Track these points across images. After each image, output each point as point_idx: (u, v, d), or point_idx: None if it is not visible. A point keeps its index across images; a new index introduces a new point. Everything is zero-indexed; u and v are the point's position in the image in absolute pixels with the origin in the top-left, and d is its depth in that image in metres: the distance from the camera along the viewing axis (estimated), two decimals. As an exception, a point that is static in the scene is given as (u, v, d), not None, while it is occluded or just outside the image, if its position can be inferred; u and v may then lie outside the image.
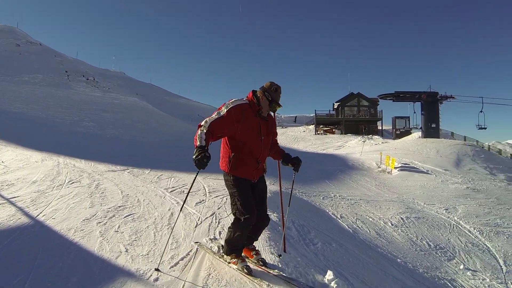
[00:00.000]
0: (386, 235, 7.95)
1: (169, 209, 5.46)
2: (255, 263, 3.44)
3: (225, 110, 3.11)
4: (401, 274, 5.72)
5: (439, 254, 7.51)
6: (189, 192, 3.90)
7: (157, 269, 3.28)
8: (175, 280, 3.15)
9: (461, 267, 7.10)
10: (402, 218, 9.30)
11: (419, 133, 35.92)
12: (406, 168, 18.06)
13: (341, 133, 41.35)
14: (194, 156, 2.86)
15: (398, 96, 35.77)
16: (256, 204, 3.22)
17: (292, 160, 3.60)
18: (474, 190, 14.59)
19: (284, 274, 3.30)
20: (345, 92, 46.87)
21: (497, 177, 19.86)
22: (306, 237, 5.44)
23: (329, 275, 3.70)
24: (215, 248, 3.76)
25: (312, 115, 49.79)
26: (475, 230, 9.47)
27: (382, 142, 31.83)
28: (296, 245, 4.89)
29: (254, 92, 3.33)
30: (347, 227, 7.77)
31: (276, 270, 3.35)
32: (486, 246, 8.56)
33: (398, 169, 17.57)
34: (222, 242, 3.63)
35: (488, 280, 6.73)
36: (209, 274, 3.24)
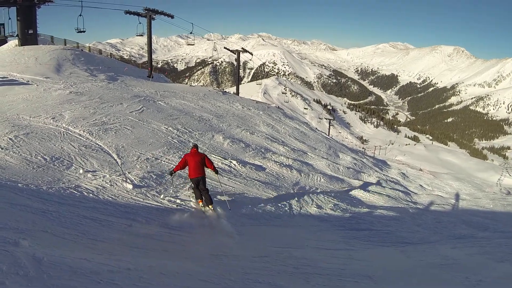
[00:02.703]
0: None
1: None
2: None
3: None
4: (28, 199, 5.57)
5: (57, 165, 7.71)
6: None
7: None
8: None
9: (81, 171, 7.68)
10: (11, 139, 8.46)
11: (16, 42, 31.86)
12: (5, 82, 15.79)
13: None
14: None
15: (-12, 1, 29.19)
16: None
17: None
18: (77, 94, 15.22)
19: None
20: None
21: (98, 77, 21.57)
22: None
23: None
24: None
25: None
26: (85, 133, 10.24)
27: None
28: None
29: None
30: None
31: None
32: (98, 145, 9.59)
33: (-5, 84, 15.01)
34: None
35: (108, 176, 7.79)
36: None
